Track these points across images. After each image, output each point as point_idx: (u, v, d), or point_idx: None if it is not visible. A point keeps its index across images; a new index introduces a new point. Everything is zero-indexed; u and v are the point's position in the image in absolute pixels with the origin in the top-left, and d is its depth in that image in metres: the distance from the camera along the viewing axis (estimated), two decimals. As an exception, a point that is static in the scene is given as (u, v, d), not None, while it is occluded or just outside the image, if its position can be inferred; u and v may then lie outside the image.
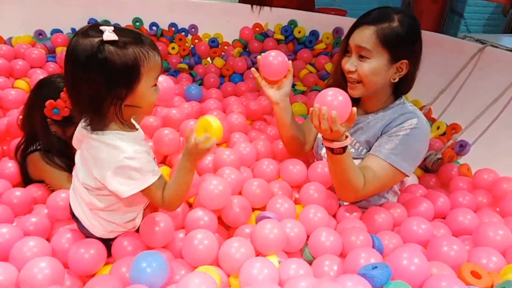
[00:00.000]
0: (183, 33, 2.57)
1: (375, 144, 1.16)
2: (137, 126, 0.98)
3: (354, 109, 0.97)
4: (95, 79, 0.82)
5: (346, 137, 1.01)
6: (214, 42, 2.55)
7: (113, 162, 0.86)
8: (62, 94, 1.18)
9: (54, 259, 0.91)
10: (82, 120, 0.92)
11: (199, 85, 2.22)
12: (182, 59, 2.50)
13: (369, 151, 1.17)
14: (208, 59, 2.55)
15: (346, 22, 2.40)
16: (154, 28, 2.55)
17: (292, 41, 2.54)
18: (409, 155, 1.12)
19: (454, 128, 1.81)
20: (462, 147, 1.67)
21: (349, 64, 1.13)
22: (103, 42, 0.80)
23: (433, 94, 1.98)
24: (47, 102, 1.18)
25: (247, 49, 2.56)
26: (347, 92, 1.15)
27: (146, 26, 2.55)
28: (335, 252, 1.00)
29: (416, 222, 1.08)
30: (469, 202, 1.28)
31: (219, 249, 0.97)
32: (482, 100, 1.72)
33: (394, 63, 1.11)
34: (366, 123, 1.22)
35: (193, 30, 2.60)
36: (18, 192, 1.19)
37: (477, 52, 1.85)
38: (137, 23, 2.53)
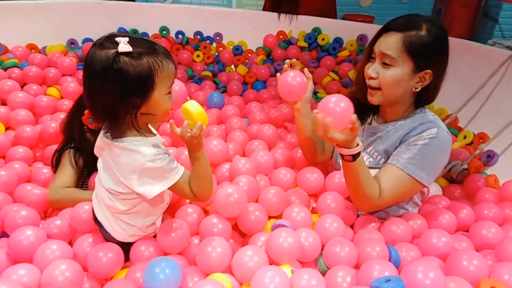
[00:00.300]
0: (208, 41, 2.62)
1: (393, 153, 1.14)
2: (154, 131, 1.01)
3: (354, 116, 0.96)
4: (111, 89, 0.85)
5: (358, 145, 1.00)
6: (238, 50, 2.58)
7: (137, 166, 0.89)
8: None
9: (74, 262, 0.94)
10: (103, 129, 0.95)
11: (222, 92, 2.26)
12: (206, 67, 2.54)
13: (387, 160, 1.15)
14: (232, 66, 2.58)
15: (370, 29, 2.37)
16: (180, 36, 2.60)
17: (315, 48, 2.53)
18: (427, 166, 1.09)
19: (481, 137, 1.75)
20: (490, 158, 1.62)
21: (371, 70, 1.12)
22: (118, 54, 0.83)
23: (460, 102, 1.92)
24: (86, 111, 1.26)
25: (271, 57, 2.58)
26: (366, 99, 1.14)
27: (172, 34, 2.61)
28: (350, 263, 0.99)
29: (436, 234, 1.05)
30: (494, 215, 1.23)
31: (232, 257, 0.98)
32: (511, 109, 1.66)
33: (418, 72, 1.09)
34: (386, 132, 1.20)
35: (217, 38, 2.64)
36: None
37: (507, 60, 1.78)
38: (164, 32, 2.60)
